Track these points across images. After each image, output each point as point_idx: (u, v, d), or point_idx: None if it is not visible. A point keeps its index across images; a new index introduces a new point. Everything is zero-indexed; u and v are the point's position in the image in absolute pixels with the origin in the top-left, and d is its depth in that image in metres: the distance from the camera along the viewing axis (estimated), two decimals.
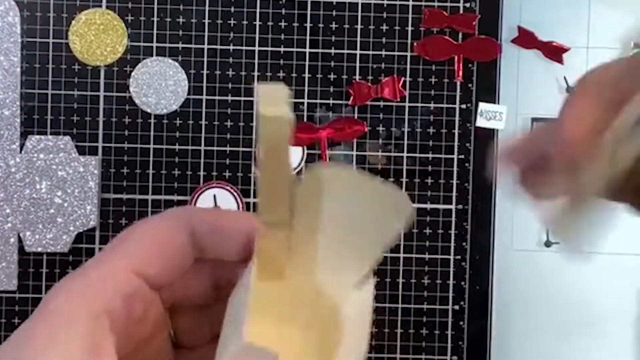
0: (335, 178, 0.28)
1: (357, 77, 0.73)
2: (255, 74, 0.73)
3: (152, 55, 0.73)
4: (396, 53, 0.73)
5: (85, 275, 0.26)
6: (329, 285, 0.28)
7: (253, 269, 0.26)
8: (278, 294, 0.27)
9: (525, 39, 0.74)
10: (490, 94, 0.74)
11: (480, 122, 0.73)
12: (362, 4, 0.73)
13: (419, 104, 0.73)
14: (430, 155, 0.74)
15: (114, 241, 0.28)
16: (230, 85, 0.73)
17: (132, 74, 0.72)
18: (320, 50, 0.73)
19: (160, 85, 0.73)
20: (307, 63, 0.73)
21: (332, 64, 0.73)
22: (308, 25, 0.73)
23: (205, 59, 0.73)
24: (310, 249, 0.28)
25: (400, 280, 0.73)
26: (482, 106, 0.73)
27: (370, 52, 0.73)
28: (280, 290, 0.27)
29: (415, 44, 0.73)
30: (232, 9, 0.73)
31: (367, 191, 0.27)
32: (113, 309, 0.25)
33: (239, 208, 0.73)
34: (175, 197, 0.73)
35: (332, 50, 0.73)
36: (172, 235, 0.27)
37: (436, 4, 0.73)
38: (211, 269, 0.29)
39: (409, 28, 0.73)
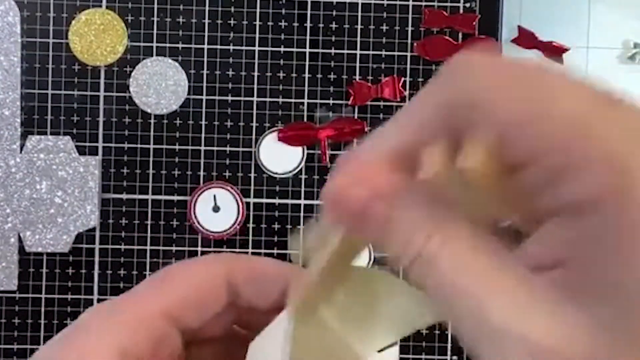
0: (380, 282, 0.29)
1: (357, 77, 0.73)
2: (255, 74, 0.73)
3: (152, 55, 0.73)
4: (396, 53, 0.73)
5: (120, 311, 0.26)
6: (355, 341, 0.28)
7: (288, 318, 0.26)
8: (310, 341, 0.27)
9: (525, 39, 0.74)
10: None
11: None
12: (362, 4, 0.73)
13: None
14: None
15: (153, 278, 0.28)
16: (230, 85, 0.73)
17: (132, 74, 0.72)
18: (320, 50, 0.73)
19: (160, 85, 0.73)
20: (307, 63, 0.73)
21: (332, 64, 0.73)
22: (308, 25, 0.73)
23: (205, 59, 0.73)
24: (339, 304, 0.28)
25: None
26: None
27: (370, 52, 0.73)
28: (312, 339, 0.28)
29: (415, 44, 0.73)
30: (232, 9, 0.73)
31: (405, 291, 0.29)
32: (141, 353, 0.26)
33: (239, 208, 0.73)
34: (175, 197, 0.73)
35: (332, 50, 0.73)
36: (210, 281, 0.28)
37: (436, 4, 0.73)
38: (237, 311, 0.29)
39: (409, 28, 0.73)
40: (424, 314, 0.29)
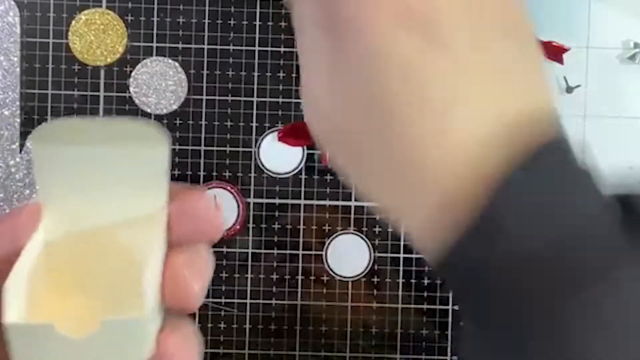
0: (69, 131, 0.27)
1: None
2: (255, 74, 0.73)
3: (152, 55, 0.73)
4: None
5: None
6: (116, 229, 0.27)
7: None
8: (52, 259, 0.26)
9: None
10: None
11: None
12: None
13: None
14: None
15: None
16: (230, 85, 0.73)
17: (132, 74, 0.72)
18: None
19: (160, 85, 0.73)
20: None
21: None
22: None
23: (205, 59, 0.73)
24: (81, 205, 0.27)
25: (400, 280, 0.73)
26: None
27: None
28: (54, 257, 0.26)
29: None
30: (232, 9, 0.73)
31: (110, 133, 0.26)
32: None
33: (239, 208, 0.73)
34: None
35: None
36: None
37: None
38: None
39: None
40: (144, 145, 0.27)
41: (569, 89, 0.75)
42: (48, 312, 0.25)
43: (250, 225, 0.73)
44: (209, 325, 0.72)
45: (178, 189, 0.29)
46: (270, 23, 0.73)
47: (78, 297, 0.26)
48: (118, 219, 0.27)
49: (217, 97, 0.73)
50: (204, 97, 0.73)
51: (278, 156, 0.73)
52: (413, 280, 0.73)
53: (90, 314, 0.25)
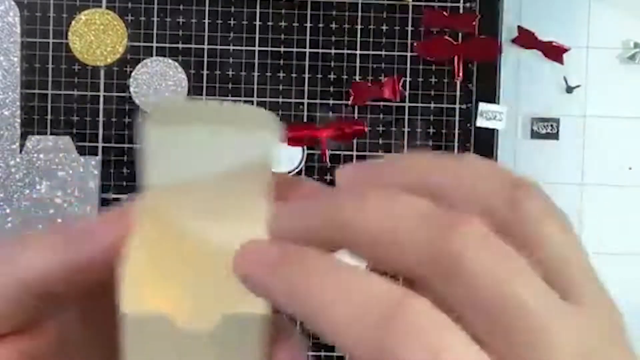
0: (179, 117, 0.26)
1: (357, 77, 0.73)
2: (255, 74, 0.73)
3: (152, 55, 0.73)
4: (396, 53, 0.73)
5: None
6: (213, 231, 0.26)
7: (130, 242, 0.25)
8: (158, 255, 0.26)
9: (525, 39, 0.74)
10: (490, 94, 0.74)
11: (480, 122, 0.73)
12: (362, 4, 0.73)
13: (419, 104, 0.73)
14: None
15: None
16: (230, 85, 0.73)
17: (132, 74, 0.72)
18: (320, 50, 0.73)
19: (160, 85, 0.73)
20: (307, 63, 0.73)
21: (332, 64, 0.73)
22: (308, 25, 0.73)
23: (205, 59, 0.73)
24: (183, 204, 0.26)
25: (401, 279, 0.73)
26: (482, 106, 0.73)
27: (370, 52, 0.73)
28: (163, 252, 0.26)
29: (415, 44, 0.73)
30: (232, 9, 0.73)
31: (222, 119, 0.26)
32: None
33: None
34: None
35: (332, 50, 0.73)
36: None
37: (436, 4, 0.73)
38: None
39: (409, 28, 0.73)
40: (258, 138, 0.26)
41: (569, 89, 0.75)
42: (162, 303, 0.25)
43: None
44: None
45: (283, 179, 0.27)
46: (270, 23, 0.73)
47: (189, 290, 0.25)
48: (221, 208, 0.26)
49: (217, 97, 0.73)
50: (204, 97, 0.73)
51: (278, 156, 0.73)
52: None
53: (203, 309, 0.25)
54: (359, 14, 0.73)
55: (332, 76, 0.73)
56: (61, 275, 0.24)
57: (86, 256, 0.25)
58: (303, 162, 0.73)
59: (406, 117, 0.74)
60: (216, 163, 0.26)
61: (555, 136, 0.75)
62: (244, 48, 0.73)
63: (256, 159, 0.26)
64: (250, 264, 0.23)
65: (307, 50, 0.73)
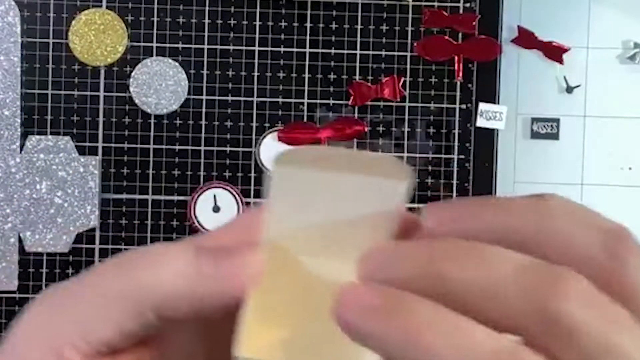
0: (309, 159, 0.27)
1: (357, 77, 0.73)
2: (255, 74, 0.73)
3: (152, 55, 0.73)
4: (396, 53, 0.73)
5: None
6: (329, 267, 0.26)
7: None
8: (278, 295, 0.26)
9: (525, 39, 0.74)
10: (490, 94, 0.74)
11: (480, 122, 0.73)
12: (362, 4, 0.73)
13: (419, 104, 0.74)
14: (430, 156, 0.74)
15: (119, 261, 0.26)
16: (230, 85, 0.73)
17: (132, 74, 0.72)
18: (320, 50, 0.73)
19: (160, 85, 0.73)
20: (307, 63, 0.73)
21: (332, 64, 0.73)
22: (308, 25, 0.73)
23: (205, 59, 0.73)
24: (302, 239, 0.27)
25: None
26: (482, 106, 0.73)
27: (370, 52, 0.73)
28: (281, 291, 0.26)
29: (415, 44, 0.73)
30: (232, 9, 0.73)
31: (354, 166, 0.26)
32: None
33: (238, 208, 0.73)
34: (175, 197, 0.73)
35: (332, 50, 0.73)
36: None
37: (436, 4, 0.73)
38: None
39: (409, 28, 0.73)
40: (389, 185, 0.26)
41: (569, 89, 0.75)
42: (275, 346, 0.25)
43: None
44: None
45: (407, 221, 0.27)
46: (270, 23, 0.73)
47: (303, 334, 0.25)
48: (342, 252, 0.26)
49: (217, 97, 0.73)
50: (204, 97, 0.73)
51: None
52: None
53: (317, 354, 0.25)
54: (359, 14, 0.73)
55: (332, 76, 0.73)
56: (188, 304, 0.25)
57: (216, 296, 0.25)
58: None
59: (406, 117, 0.74)
60: (342, 207, 0.26)
61: (555, 136, 0.75)
62: (244, 48, 0.73)
63: (383, 207, 0.26)
64: (351, 311, 0.22)
65: (307, 50, 0.73)
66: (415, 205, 0.73)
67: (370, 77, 0.73)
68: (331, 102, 0.73)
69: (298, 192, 0.27)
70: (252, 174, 0.73)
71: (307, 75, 0.73)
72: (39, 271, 0.72)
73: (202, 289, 0.25)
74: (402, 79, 0.73)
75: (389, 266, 0.23)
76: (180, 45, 0.73)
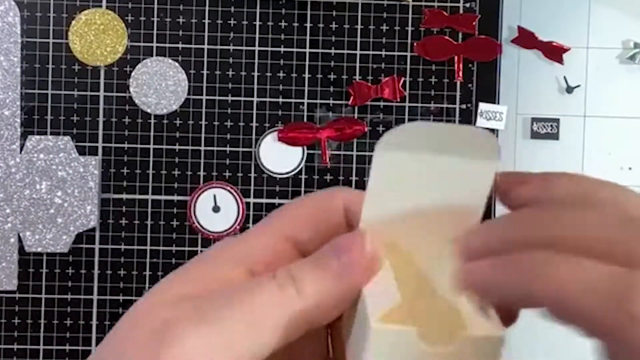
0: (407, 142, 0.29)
1: (357, 77, 0.73)
2: (255, 74, 0.73)
3: (152, 55, 0.73)
4: (396, 53, 0.73)
5: (244, 241, 0.28)
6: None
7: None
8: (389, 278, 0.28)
9: (525, 39, 0.74)
10: (490, 94, 0.74)
11: (480, 122, 0.73)
12: (362, 4, 0.73)
13: (419, 104, 0.74)
14: None
15: (269, 216, 0.29)
16: (230, 85, 0.73)
17: (132, 74, 0.72)
18: (320, 50, 0.73)
19: (160, 85, 0.73)
20: (307, 63, 0.73)
21: (332, 64, 0.73)
22: (308, 25, 0.73)
23: (205, 59, 0.73)
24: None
25: None
26: (482, 106, 0.73)
27: (370, 52, 0.73)
28: (397, 277, 0.28)
29: (415, 44, 0.73)
30: (232, 9, 0.73)
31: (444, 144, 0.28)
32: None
33: (238, 208, 0.73)
34: (175, 197, 0.73)
35: (332, 50, 0.73)
36: (329, 206, 0.29)
37: (436, 4, 0.73)
38: None
39: (409, 28, 0.73)
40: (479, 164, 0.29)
41: (569, 89, 0.75)
42: (406, 318, 0.26)
43: (250, 225, 0.73)
44: None
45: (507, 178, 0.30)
46: (270, 23, 0.73)
47: (425, 313, 0.27)
48: (441, 232, 0.28)
49: (217, 97, 0.73)
50: (204, 97, 0.73)
51: (278, 156, 0.73)
52: None
53: (440, 330, 0.26)
54: (359, 14, 0.73)
55: (332, 76, 0.73)
56: (334, 304, 0.27)
57: (354, 287, 0.27)
58: (303, 162, 0.73)
59: (406, 117, 0.74)
60: (438, 188, 0.28)
61: (555, 136, 0.75)
62: (244, 48, 0.73)
63: (475, 188, 0.29)
64: (476, 273, 0.25)
65: (307, 50, 0.73)
66: None
67: (370, 77, 0.73)
68: (331, 102, 0.73)
69: (396, 176, 0.29)
70: (252, 174, 0.73)
71: (307, 75, 0.73)
72: (39, 271, 0.72)
73: (344, 284, 0.27)
74: (402, 79, 0.73)
75: (492, 237, 0.26)
76: (180, 45, 0.73)
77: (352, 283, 0.27)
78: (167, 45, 0.73)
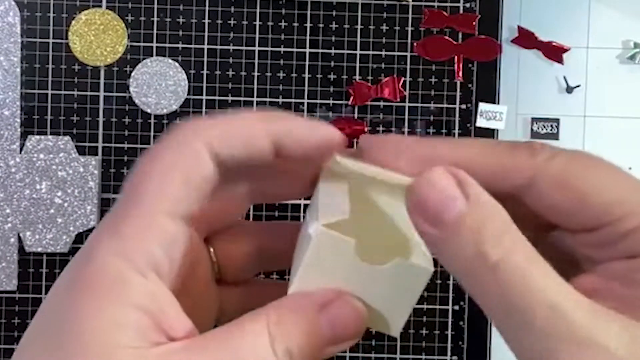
0: None
1: (357, 77, 0.73)
2: (255, 74, 0.73)
3: (152, 55, 0.73)
4: (396, 53, 0.73)
5: (119, 234, 0.25)
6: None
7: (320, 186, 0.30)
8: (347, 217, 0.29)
9: (525, 39, 0.74)
10: (490, 94, 0.74)
11: (480, 122, 0.73)
12: (362, 4, 0.73)
13: (419, 104, 0.74)
14: None
15: (135, 180, 0.26)
16: (230, 85, 0.73)
17: (132, 74, 0.72)
18: (320, 50, 0.73)
19: (160, 85, 0.73)
20: (307, 63, 0.73)
21: (332, 64, 0.73)
22: (308, 25, 0.73)
23: (205, 59, 0.73)
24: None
25: None
26: (482, 106, 0.73)
27: (370, 52, 0.73)
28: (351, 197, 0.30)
29: (415, 44, 0.73)
30: (232, 9, 0.73)
31: None
32: (157, 261, 0.25)
33: None
34: None
35: (332, 50, 0.73)
36: (252, 126, 0.29)
37: (436, 4, 0.73)
38: (249, 194, 0.32)
39: (409, 28, 0.73)
40: None
41: (569, 89, 0.75)
42: (350, 233, 0.28)
43: None
44: None
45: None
46: (270, 23, 0.73)
47: (369, 234, 0.29)
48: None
49: (217, 97, 0.73)
50: (204, 97, 0.73)
51: None
52: None
53: (378, 251, 0.29)
54: (359, 14, 0.73)
55: (332, 76, 0.73)
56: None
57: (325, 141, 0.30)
58: None
59: (406, 117, 0.74)
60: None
61: (555, 136, 0.75)
62: (244, 48, 0.73)
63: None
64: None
65: (307, 50, 0.73)
66: None
67: (370, 77, 0.73)
68: (331, 102, 0.73)
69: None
70: None
71: (307, 75, 0.73)
72: (39, 271, 0.72)
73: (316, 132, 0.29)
74: (402, 79, 0.73)
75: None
76: (180, 45, 0.73)
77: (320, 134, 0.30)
78: (167, 45, 0.73)
